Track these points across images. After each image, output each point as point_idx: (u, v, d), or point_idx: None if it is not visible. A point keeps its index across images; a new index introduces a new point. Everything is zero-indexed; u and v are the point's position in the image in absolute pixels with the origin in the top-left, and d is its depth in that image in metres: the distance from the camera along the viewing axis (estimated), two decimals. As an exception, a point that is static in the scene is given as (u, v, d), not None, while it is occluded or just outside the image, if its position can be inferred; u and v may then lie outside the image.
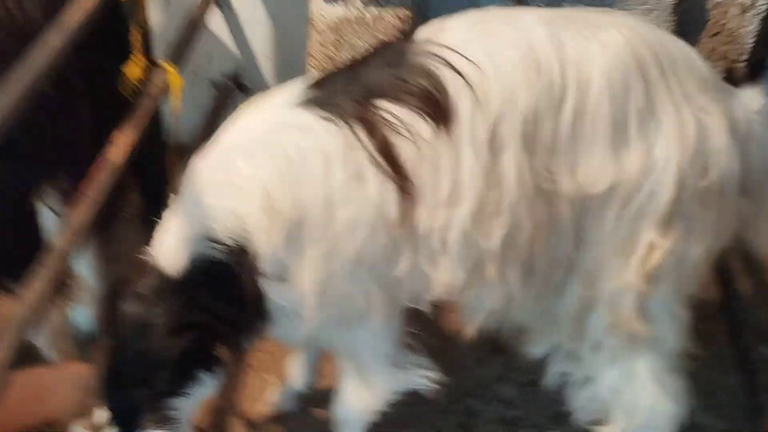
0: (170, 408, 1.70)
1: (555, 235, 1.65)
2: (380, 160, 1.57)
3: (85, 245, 2.58)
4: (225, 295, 1.65)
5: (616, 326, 1.74)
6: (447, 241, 1.62)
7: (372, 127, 1.57)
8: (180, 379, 1.69)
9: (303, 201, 1.58)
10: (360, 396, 1.97)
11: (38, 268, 1.80)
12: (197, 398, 1.76)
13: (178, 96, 2.37)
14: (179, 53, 2.58)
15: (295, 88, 1.68)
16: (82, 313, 2.70)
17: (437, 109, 1.56)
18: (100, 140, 2.16)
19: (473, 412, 2.53)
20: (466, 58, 1.57)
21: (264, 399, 2.50)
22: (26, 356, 2.48)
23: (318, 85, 1.66)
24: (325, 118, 1.58)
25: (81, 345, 2.64)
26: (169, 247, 1.65)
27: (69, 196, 2.41)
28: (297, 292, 1.64)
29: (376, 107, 1.58)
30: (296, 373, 2.46)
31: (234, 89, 3.21)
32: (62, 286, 2.05)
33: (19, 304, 1.70)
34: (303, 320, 1.69)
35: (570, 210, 1.63)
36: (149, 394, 1.65)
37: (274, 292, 1.66)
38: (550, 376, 1.99)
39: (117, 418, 1.67)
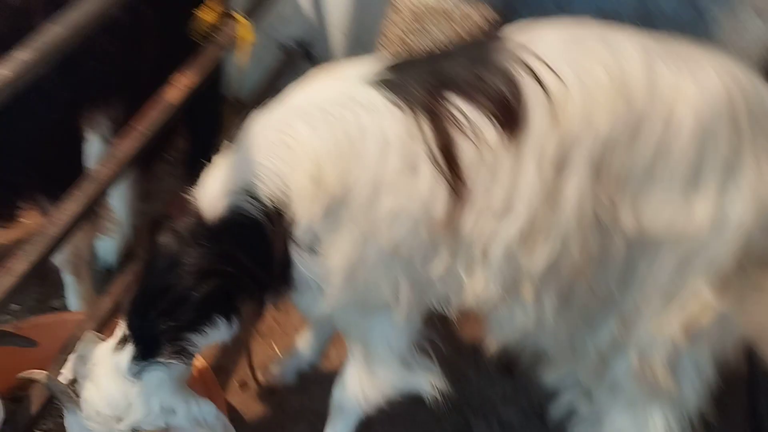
0: (185, 342, 1.69)
1: (602, 270, 1.59)
2: (438, 155, 1.52)
3: (125, 178, 2.58)
4: (254, 253, 1.62)
5: (642, 374, 1.68)
6: (488, 252, 1.57)
7: (437, 121, 1.52)
8: (200, 318, 1.67)
9: (351, 179, 1.54)
10: (361, 385, 1.93)
11: (75, 191, 1.79)
12: (211, 340, 1.75)
13: (246, 51, 2.35)
14: (255, 10, 2.56)
15: (371, 65, 1.64)
16: (107, 245, 2.71)
17: (509, 116, 1.51)
18: (159, 78, 2.15)
19: (470, 427, 2.48)
20: (552, 70, 1.52)
21: (265, 367, 2.48)
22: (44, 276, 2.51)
23: (394, 67, 1.62)
24: (392, 102, 1.54)
25: (99, 275, 2.66)
26: (212, 192, 1.62)
27: (119, 126, 2.41)
28: (325, 267, 1.61)
29: (446, 101, 1.53)
30: (302, 349, 2.44)
31: (301, 56, 3.18)
32: (94, 214, 2.03)
33: (48, 222, 1.70)
34: (325, 296, 1.66)
35: (624, 248, 1.56)
36: (170, 325, 1.65)
37: (302, 262, 1.62)
38: (557, 408, 1.94)
39: (137, 342, 1.67)
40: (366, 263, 1.60)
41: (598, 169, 1.51)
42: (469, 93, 1.53)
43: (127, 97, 2.26)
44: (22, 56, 1.40)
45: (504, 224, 1.54)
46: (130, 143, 1.95)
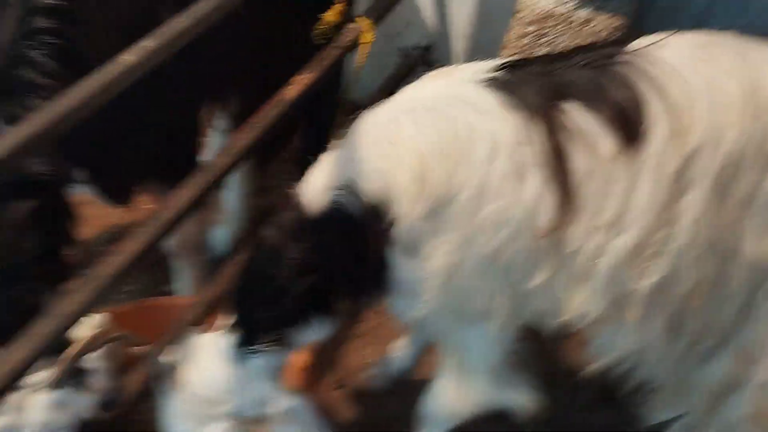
0: (283, 335, 1.71)
1: (718, 299, 1.47)
2: (548, 163, 1.45)
3: (240, 170, 2.67)
4: (352, 251, 1.61)
5: (760, 416, 1.54)
6: (594, 268, 1.49)
7: (551, 128, 1.46)
8: (297, 313, 1.69)
9: (456, 181, 1.50)
10: (451, 396, 1.88)
11: (191, 178, 1.86)
12: (308, 338, 1.76)
13: (365, 54, 2.36)
14: (378, 13, 2.57)
15: (485, 66, 1.59)
16: (219, 235, 2.80)
17: (628, 126, 1.42)
18: (280, 76, 2.19)
19: (563, 455, 2.37)
20: (678, 80, 1.42)
21: (361, 369, 2.48)
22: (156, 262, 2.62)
23: (510, 69, 1.57)
24: (506, 105, 1.49)
25: (210, 264, 2.75)
26: (315, 188, 1.63)
27: (237, 121, 2.49)
28: (422, 270, 1.57)
29: (561, 108, 1.46)
30: (397, 355, 2.41)
31: (420, 62, 3.18)
32: (206, 202, 2.10)
33: (163, 207, 1.77)
34: (420, 300, 1.63)
35: (745, 277, 1.44)
36: (269, 316, 1.67)
37: (398, 264, 1.60)
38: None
39: (239, 329, 1.71)
40: (464, 269, 1.55)
41: (722, 188, 1.40)
42: (587, 100, 1.45)
43: (246, 92, 2.33)
44: (148, 44, 1.46)
45: (613, 239, 1.45)
46: (246, 136, 2.00)
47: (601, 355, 1.66)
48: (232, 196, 2.79)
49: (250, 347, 1.71)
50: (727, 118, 1.40)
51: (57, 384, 1.74)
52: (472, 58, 2.33)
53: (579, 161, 1.45)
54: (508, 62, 1.59)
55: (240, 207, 2.80)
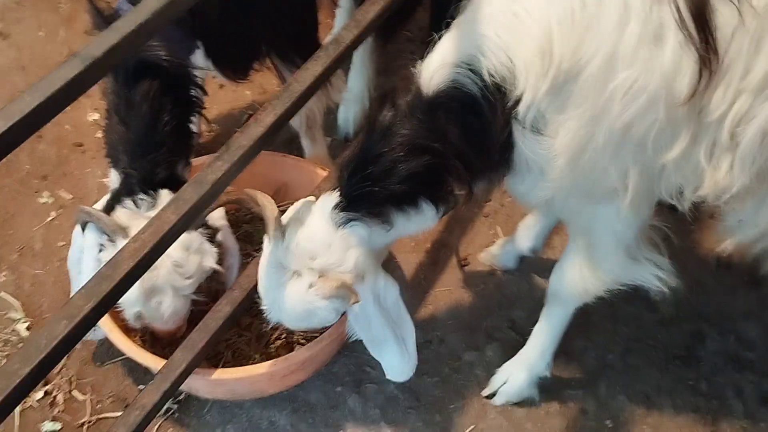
0: (388, 214, 1.64)
1: None
2: (688, 21, 1.31)
3: (364, 48, 2.64)
4: (469, 132, 1.55)
5: None
6: (740, 135, 1.36)
7: None
8: (404, 194, 1.62)
9: (585, 52, 1.39)
10: (582, 274, 1.84)
11: (319, 52, 1.86)
12: (416, 228, 1.71)
13: None
14: None
15: None
16: (347, 115, 2.82)
17: None
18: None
19: (703, 338, 2.29)
20: None
21: (487, 249, 2.47)
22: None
23: None
24: None
25: (333, 144, 2.80)
26: (433, 67, 1.56)
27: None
28: (549, 149, 1.50)
29: None
30: (525, 235, 2.38)
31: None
32: (332, 79, 2.10)
33: (294, 80, 1.79)
34: (546, 181, 1.56)
35: None
36: (374, 190, 1.60)
37: (523, 142, 1.53)
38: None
39: (343, 194, 1.64)
40: (594, 145, 1.47)
41: None
42: None
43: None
44: None
45: (762, 103, 1.31)
46: (372, 9, 1.96)
47: (741, 230, 1.54)
48: (357, 77, 2.78)
49: (352, 214, 1.64)
50: None
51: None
52: None
53: (725, 16, 1.30)
54: None
55: (364, 87, 2.79)
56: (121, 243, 1.65)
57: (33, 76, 3.04)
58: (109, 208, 1.91)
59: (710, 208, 1.56)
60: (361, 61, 2.73)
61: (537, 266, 2.43)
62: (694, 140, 1.41)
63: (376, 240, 1.69)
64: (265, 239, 1.69)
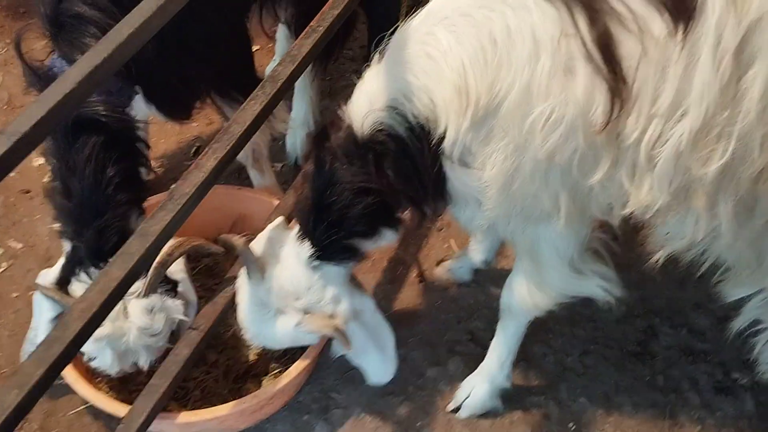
0: (355, 247, 1.80)
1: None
2: (596, 53, 1.36)
3: (305, 76, 2.65)
4: (403, 171, 1.63)
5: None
6: (656, 157, 1.41)
7: (595, 15, 1.35)
8: (364, 228, 1.75)
9: (500, 87, 1.44)
10: (530, 291, 1.89)
11: (257, 91, 1.88)
12: (380, 244, 1.84)
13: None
14: None
15: None
16: (294, 141, 2.84)
17: (679, 3, 1.30)
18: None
19: (656, 332, 2.35)
20: None
21: (442, 263, 2.52)
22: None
23: None
24: None
25: (284, 170, 2.82)
26: (361, 107, 1.62)
27: (296, 25, 2.46)
28: (479, 180, 1.56)
29: None
30: (477, 248, 2.43)
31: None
32: (274, 111, 2.13)
33: (233, 122, 1.81)
34: (483, 208, 1.62)
35: None
36: (338, 235, 1.75)
37: (454, 176, 1.60)
38: (741, 321, 1.77)
39: (313, 246, 1.79)
40: (522, 174, 1.52)
41: None
42: None
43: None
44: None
45: (674, 126, 1.36)
46: (306, 42, 1.98)
47: (669, 241, 1.60)
48: (299, 101, 2.80)
49: (326, 260, 1.80)
50: None
51: (148, 291, 1.91)
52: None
53: (629, 47, 1.35)
54: None
55: (309, 111, 2.81)
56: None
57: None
58: (63, 282, 1.92)
59: (641, 222, 1.61)
60: (303, 86, 2.74)
61: (492, 276, 2.48)
62: (615, 163, 1.46)
63: (349, 269, 1.87)
64: (240, 275, 1.87)
